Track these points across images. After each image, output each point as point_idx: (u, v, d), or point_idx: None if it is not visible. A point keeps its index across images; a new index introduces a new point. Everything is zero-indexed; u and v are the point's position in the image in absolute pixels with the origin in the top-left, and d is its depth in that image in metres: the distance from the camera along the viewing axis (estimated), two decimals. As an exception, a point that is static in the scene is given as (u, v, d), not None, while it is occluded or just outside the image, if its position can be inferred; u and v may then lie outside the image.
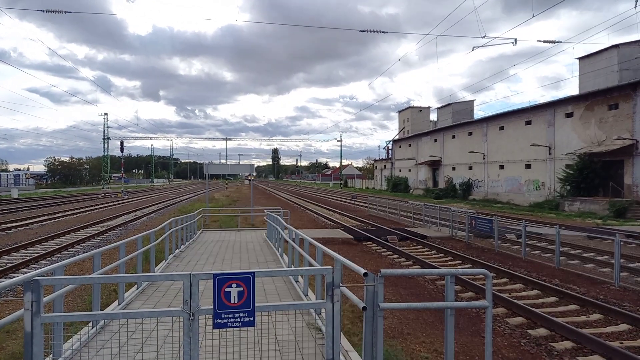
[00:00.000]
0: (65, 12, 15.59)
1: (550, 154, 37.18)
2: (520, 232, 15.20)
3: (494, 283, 11.03)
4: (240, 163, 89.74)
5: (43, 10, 15.10)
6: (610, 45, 34.15)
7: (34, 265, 13.33)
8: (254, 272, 3.98)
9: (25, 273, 11.99)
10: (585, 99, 33.89)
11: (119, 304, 7.08)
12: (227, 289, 3.88)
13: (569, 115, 35.51)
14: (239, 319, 3.90)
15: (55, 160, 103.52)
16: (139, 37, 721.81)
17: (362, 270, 4.14)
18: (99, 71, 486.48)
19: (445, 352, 4.31)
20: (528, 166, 40.22)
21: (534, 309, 8.62)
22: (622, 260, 11.35)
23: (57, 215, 29.40)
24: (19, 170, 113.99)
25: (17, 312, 4.04)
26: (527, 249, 15.00)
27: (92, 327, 5.69)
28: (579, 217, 28.10)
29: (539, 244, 17.01)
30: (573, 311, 8.97)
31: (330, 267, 4.31)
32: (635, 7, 19.55)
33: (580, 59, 37.61)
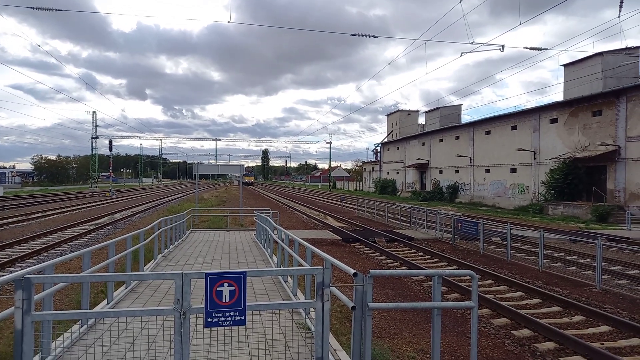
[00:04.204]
0: (55, 10, 15.42)
1: (535, 158, 37.76)
2: (505, 234, 15.45)
3: (479, 285, 11.23)
4: (230, 164, 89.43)
5: (33, 8, 14.93)
6: (594, 53, 34.82)
7: (20, 264, 13.18)
8: (245, 272, 4.04)
9: (11, 272, 11.86)
10: (569, 105, 34.51)
11: (107, 303, 7.08)
12: (218, 288, 3.92)
13: (554, 121, 36.12)
14: (230, 318, 3.95)
15: (42, 158, 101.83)
16: (124, 34, 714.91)
17: (352, 271, 4.21)
18: (84, 68, 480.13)
19: (432, 351, 4.42)
20: (513, 170, 40.78)
21: (518, 310, 8.79)
22: (603, 264, 11.62)
23: (44, 213, 28.99)
24: (5, 168, 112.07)
25: (7, 310, 4.04)
26: (511, 251, 15.24)
27: (82, 326, 5.69)
28: (563, 221, 28.59)
29: (523, 247, 17.31)
30: (556, 313, 9.18)
31: (320, 267, 4.38)
32: (619, 17, 20.05)
33: (565, 65, 38.26)
